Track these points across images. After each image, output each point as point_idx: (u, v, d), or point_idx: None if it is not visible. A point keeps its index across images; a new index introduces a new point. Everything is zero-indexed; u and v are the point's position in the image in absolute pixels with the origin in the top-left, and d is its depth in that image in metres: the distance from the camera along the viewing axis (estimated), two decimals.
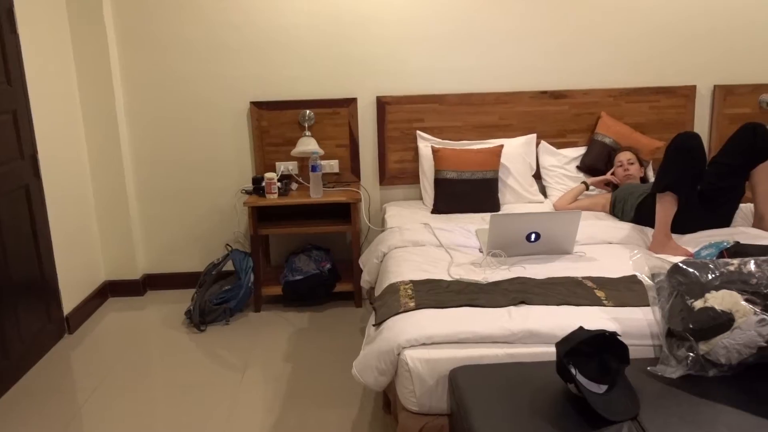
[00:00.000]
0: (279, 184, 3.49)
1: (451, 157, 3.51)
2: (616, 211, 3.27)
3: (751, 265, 1.74)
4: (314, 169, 3.42)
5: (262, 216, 3.57)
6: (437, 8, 3.63)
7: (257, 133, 3.69)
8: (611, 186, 3.53)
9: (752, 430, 1.48)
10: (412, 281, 2.38)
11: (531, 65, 3.73)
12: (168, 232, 3.86)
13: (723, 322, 1.67)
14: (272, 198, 3.44)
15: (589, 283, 2.30)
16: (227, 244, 3.81)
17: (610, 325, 1.96)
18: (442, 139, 3.70)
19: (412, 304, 2.14)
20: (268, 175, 3.43)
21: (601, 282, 2.32)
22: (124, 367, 2.95)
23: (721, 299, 1.69)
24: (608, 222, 3.12)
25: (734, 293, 1.69)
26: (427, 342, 1.94)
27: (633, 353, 1.89)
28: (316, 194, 3.45)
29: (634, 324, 1.97)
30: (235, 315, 3.48)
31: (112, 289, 3.80)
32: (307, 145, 3.53)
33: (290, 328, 3.33)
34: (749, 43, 3.80)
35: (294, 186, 3.65)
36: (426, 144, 3.66)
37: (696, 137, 2.74)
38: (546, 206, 3.55)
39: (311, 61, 3.67)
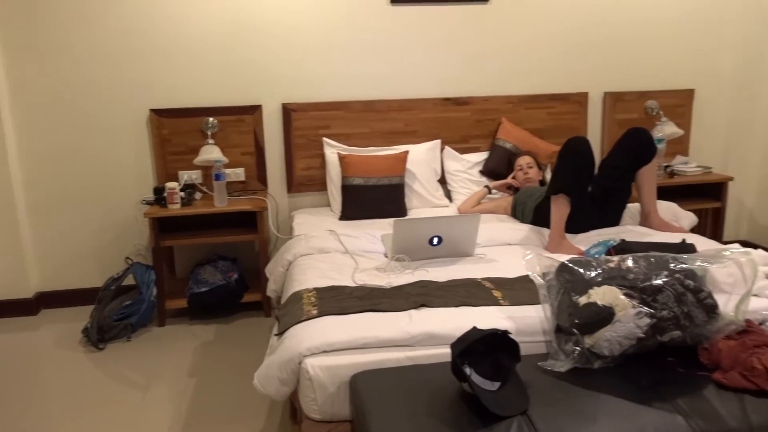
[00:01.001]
0: (182, 193, 3.40)
1: (358, 163, 3.54)
2: (516, 213, 3.39)
3: (629, 262, 1.85)
4: (218, 177, 3.35)
5: (165, 227, 3.45)
6: (342, 15, 3.65)
7: (158, 141, 3.57)
8: (513, 189, 3.65)
9: (631, 416, 1.57)
10: (315, 289, 2.37)
11: (434, 72, 3.82)
12: (64, 247, 3.66)
13: (605, 316, 1.76)
14: (175, 208, 3.34)
15: (488, 284, 2.37)
16: (127, 258, 3.66)
17: (505, 324, 2.02)
18: (349, 146, 3.72)
19: (314, 312, 2.13)
20: (170, 184, 3.33)
21: (499, 282, 2.40)
22: (15, 393, 2.77)
23: (602, 295, 1.79)
24: (509, 224, 3.23)
25: (614, 288, 1.79)
26: (329, 349, 1.93)
27: (526, 350, 1.97)
28: (221, 203, 3.38)
29: (528, 322, 2.05)
30: (137, 331, 3.34)
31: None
32: (211, 153, 3.46)
33: (196, 341, 3.24)
34: (635, 54, 4.05)
35: (198, 195, 3.56)
36: (333, 151, 3.67)
37: (584, 141, 2.89)
38: (451, 210, 3.64)
39: (213, 68, 3.60)
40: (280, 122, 3.70)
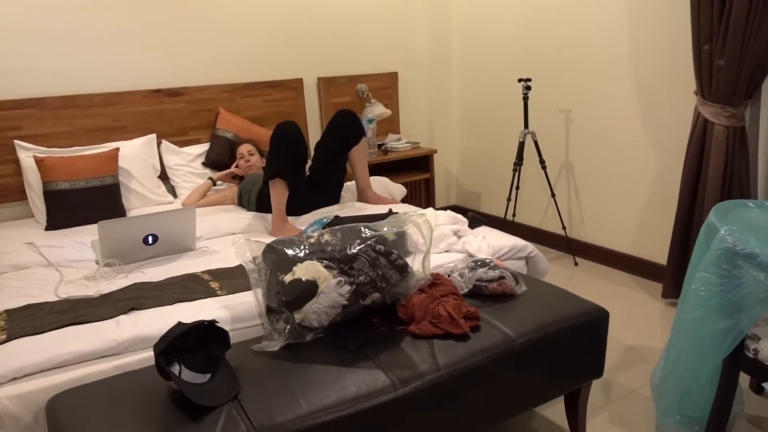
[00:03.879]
0: None
1: (60, 165, 3.19)
2: (243, 202, 3.38)
3: (327, 235, 1.95)
4: None
5: None
6: (24, 1, 3.23)
7: None
8: (238, 179, 3.63)
9: (336, 381, 1.66)
10: (6, 311, 2.09)
11: (140, 63, 3.59)
12: None
13: (309, 289, 1.84)
14: None
15: (206, 276, 2.33)
16: None
17: (220, 314, 2.00)
18: (48, 147, 3.33)
19: (2, 337, 1.88)
20: None
21: (218, 273, 2.36)
22: None
23: (305, 270, 1.86)
24: (233, 214, 3.20)
25: (315, 262, 1.87)
26: (18, 375, 1.72)
27: (243, 335, 1.98)
28: None
29: (245, 308, 2.05)
30: None
31: None
32: None
33: None
34: (344, 41, 4.28)
35: None
36: (28, 154, 3.25)
37: (292, 125, 2.98)
38: (176, 206, 3.48)
39: None
40: None
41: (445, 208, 3.33)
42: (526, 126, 3.78)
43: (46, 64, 3.35)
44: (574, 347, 2.02)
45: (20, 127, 3.29)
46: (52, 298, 2.21)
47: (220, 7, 3.78)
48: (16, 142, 3.27)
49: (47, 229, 3.14)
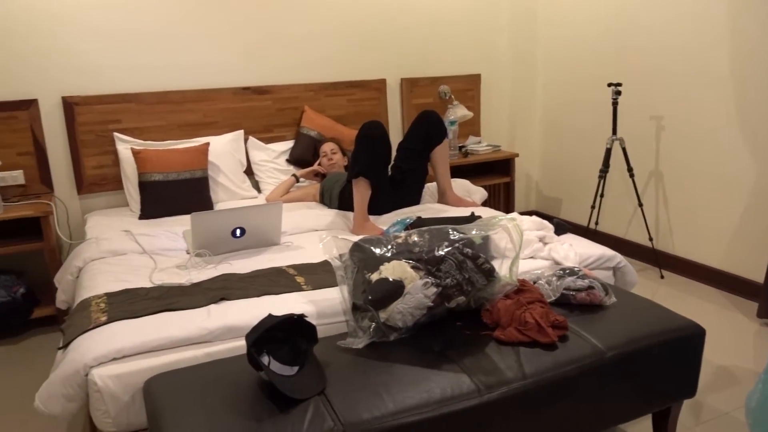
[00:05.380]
0: None
1: (155, 158, 3.34)
2: (324, 199, 3.43)
3: (415, 236, 1.95)
4: None
5: None
6: (125, 1, 3.40)
7: None
8: (320, 176, 3.69)
9: (421, 382, 1.66)
10: (106, 294, 2.20)
11: (230, 61, 3.71)
12: None
13: (396, 289, 1.84)
14: None
15: (291, 271, 2.37)
16: None
17: (306, 309, 2.04)
18: (144, 140, 3.50)
19: (103, 319, 1.98)
20: None
21: (303, 268, 2.41)
22: None
23: (392, 269, 1.86)
24: (316, 211, 3.25)
25: (402, 262, 1.87)
26: (118, 356, 1.80)
27: (328, 331, 2.01)
28: None
29: (329, 304, 2.08)
30: None
31: None
32: None
33: None
34: (427, 42, 4.28)
35: None
36: (126, 146, 3.42)
37: (378, 125, 2.99)
38: (260, 201, 3.58)
39: None
40: (62, 117, 3.37)
41: (523, 213, 3.27)
42: (614, 132, 3.66)
43: (144, 62, 3.51)
44: (666, 364, 1.93)
45: (120, 120, 3.46)
46: (147, 284, 2.31)
47: (306, 9, 3.85)
48: (116, 134, 3.44)
49: (141, 218, 3.29)
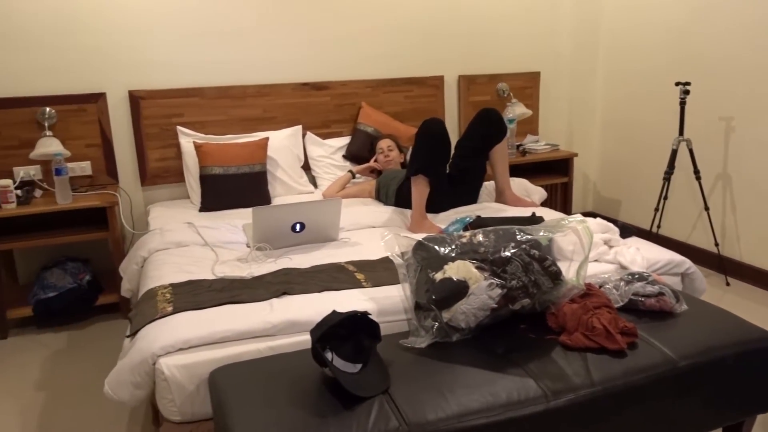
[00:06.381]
0: (18, 191, 3.09)
1: (216, 152, 3.40)
2: (380, 196, 3.42)
3: (480, 236, 1.91)
4: (58, 172, 3.08)
5: (0, 229, 3.12)
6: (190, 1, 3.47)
7: None
8: (376, 173, 3.69)
9: (486, 384, 1.63)
10: (171, 284, 2.25)
11: (290, 57, 3.74)
12: None
13: (460, 289, 1.82)
14: (10, 208, 3.02)
15: (351, 267, 2.37)
16: None
17: (367, 306, 2.03)
18: (206, 134, 3.56)
19: (169, 309, 2.02)
20: (2, 182, 3.01)
21: (362, 265, 2.40)
22: None
23: (456, 269, 1.84)
24: (373, 207, 3.25)
25: (467, 262, 1.85)
26: (184, 347, 1.84)
27: (389, 329, 1.99)
28: (64, 200, 3.11)
29: (390, 302, 2.07)
30: None
31: None
32: (49, 146, 3.16)
33: (45, 351, 2.97)
34: (486, 39, 4.22)
35: (38, 193, 3.26)
36: (188, 140, 3.50)
37: (439, 123, 2.96)
38: (316, 196, 3.60)
39: (47, 52, 3.29)
40: (128, 111, 3.47)
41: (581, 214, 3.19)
42: (681, 133, 3.53)
43: (208, 58, 3.57)
44: (741, 376, 1.85)
45: (183, 114, 3.53)
46: (210, 276, 2.35)
47: (366, 6, 3.85)
48: (179, 128, 3.51)
49: (201, 210, 3.35)
